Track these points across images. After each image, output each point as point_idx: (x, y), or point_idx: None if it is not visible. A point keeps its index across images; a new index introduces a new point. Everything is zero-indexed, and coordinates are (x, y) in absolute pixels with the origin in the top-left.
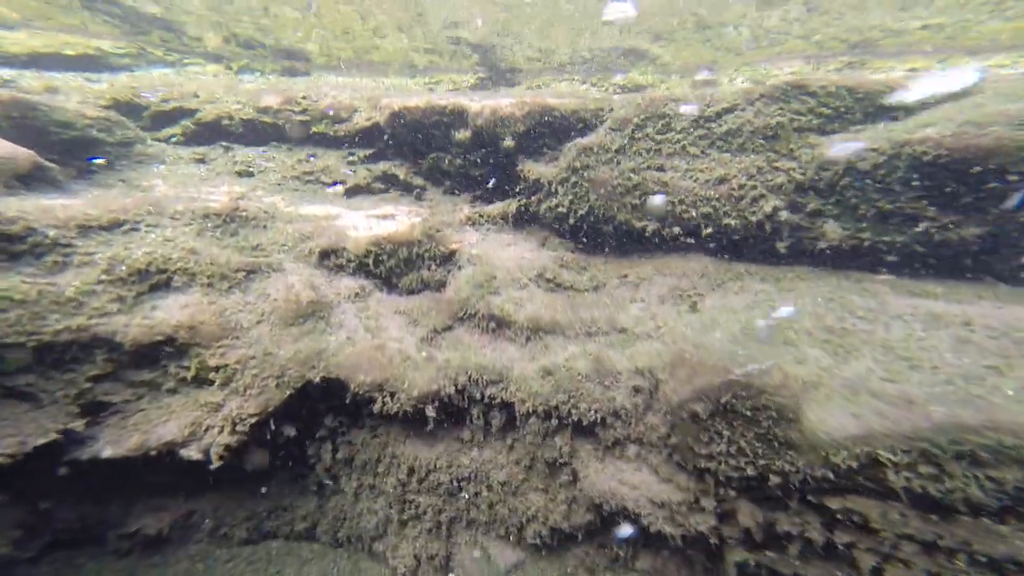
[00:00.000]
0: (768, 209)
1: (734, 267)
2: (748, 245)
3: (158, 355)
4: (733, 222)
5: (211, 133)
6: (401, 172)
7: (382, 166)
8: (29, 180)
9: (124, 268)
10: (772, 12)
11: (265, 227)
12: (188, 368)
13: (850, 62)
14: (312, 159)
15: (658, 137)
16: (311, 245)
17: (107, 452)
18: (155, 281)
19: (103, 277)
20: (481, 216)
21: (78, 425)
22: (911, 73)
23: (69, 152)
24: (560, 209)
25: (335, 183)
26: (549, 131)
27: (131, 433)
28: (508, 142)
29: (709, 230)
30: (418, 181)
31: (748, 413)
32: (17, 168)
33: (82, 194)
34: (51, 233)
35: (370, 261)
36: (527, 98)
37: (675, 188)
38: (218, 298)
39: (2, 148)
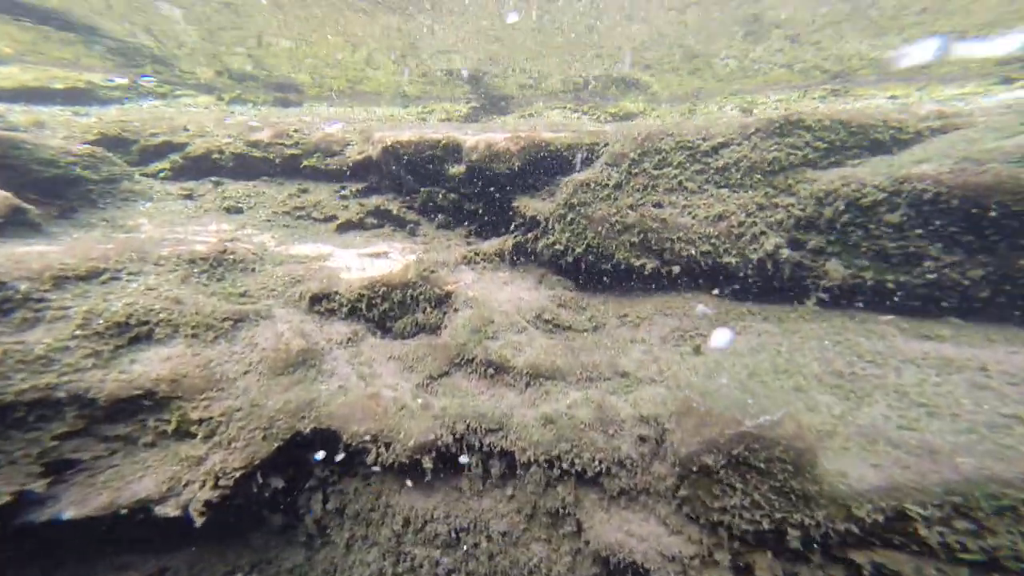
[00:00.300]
0: (769, 247)
1: (736, 306)
2: (749, 283)
3: (136, 409)
4: (733, 260)
5: (200, 167)
6: (394, 207)
7: (375, 200)
8: (4, 225)
9: (102, 322)
10: (757, 45)
11: (253, 270)
12: (169, 421)
13: (833, 90)
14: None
15: (655, 172)
16: (301, 289)
17: (69, 513)
18: (135, 334)
19: (78, 332)
20: (477, 255)
21: (38, 486)
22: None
23: (52, 190)
24: (557, 247)
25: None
26: (545, 166)
27: (99, 492)
28: (503, 177)
29: (709, 269)
30: (411, 216)
31: (762, 465)
32: None
33: (61, 238)
34: (23, 287)
35: (363, 305)
36: (522, 132)
37: (673, 225)
38: (203, 349)
39: None
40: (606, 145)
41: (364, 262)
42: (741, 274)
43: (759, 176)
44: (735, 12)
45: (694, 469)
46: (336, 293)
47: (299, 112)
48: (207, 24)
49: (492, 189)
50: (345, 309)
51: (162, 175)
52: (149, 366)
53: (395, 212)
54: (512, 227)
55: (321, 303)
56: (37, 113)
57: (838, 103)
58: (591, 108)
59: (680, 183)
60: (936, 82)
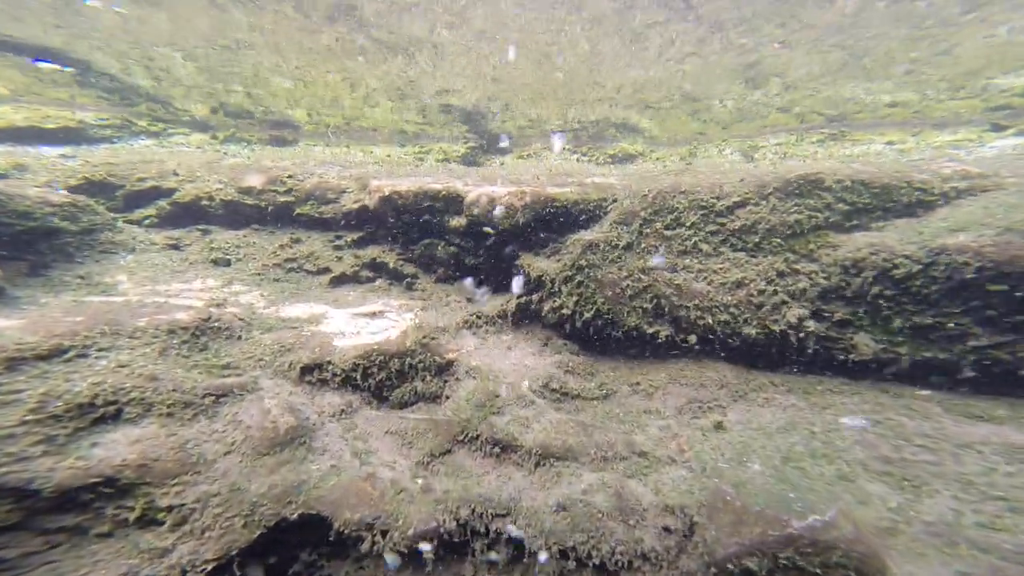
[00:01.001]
0: (792, 318)
1: (755, 377)
2: (769, 353)
3: (92, 497)
4: (754, 331)
5: (188, 214)
6: (391, 259)
7: (371, 251)
8: None
9: (60, 404)
10: (755, 90)
11: (240, 337)
12: (132, 509)
13: (831, 134)
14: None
15: (668, 233)
16: (292, 359)
17: None
18: (100, 414)
19: (28, 417)
20: (479, 317)
21: None
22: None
23: (27, 244)
24: (564, 311)
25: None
26: (550, 222)
27: None
28: (505, 233)
29: (727, 338)
30: (409, 269)
31: (818, 571)
32: None
33: (26, 305)
34: None
35: (358, 374)
36: (526, 187)
37: (689, 291)
38: (179, 428)
39: None
40: (614, 201)
41: (359, 324)
42: (761, 345)
43: (779, 240)
44: (734, 60)
45: (733, 572)
46: (329, 363)
47: (294, 153)
48: (205, 62)
49: (494, 244)
50: (339, 379)
51: (147, 222)
52: (113, 450)
53: (392, 265)
54: (513, 283)
55: (313, 373)
56: (20, 156)
57: (836, 147)
58: (589, 149)
59: (694, 245)
60: (929, 128)
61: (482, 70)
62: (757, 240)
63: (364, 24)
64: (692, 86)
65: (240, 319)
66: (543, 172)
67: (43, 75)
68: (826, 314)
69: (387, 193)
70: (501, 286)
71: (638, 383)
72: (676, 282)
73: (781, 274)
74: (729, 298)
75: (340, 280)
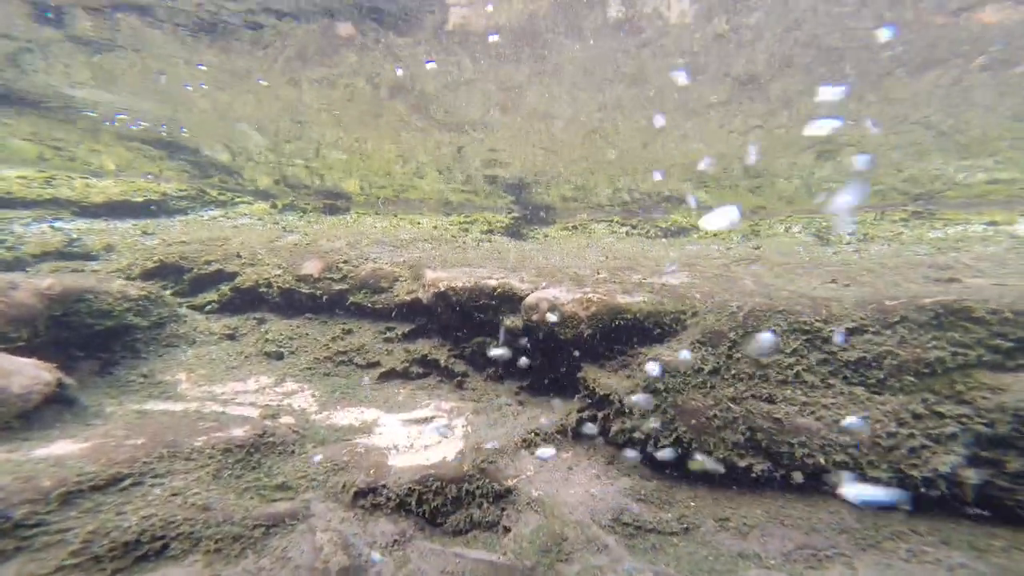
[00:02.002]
0: (943, 467)
1: (888, 521)
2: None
3: None
4: (884, 475)
5: (247, 301)
6: (442, 355)
7: (421, 346)
8: (42, 406)
9: (105, 543)
10: (826, 163)
11: (293, 452)
12: None
13: (915, 212)
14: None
15: (763, 360)
16: (345, 480)
17: None
18: (144, 552)
19: (67, 561)
20: (537, 435)
21: None
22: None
23: (103, 342)
24: (636, 435)
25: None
26: (619, 333)
27: None
28: (568, 342)
29: (846, 482)
30: (459, 367)
31: None
32: (28, 404)
33: (93, 417)
34: (18, 514)
35: (413, 500)
36: (593, 295)
37: (792, 427)
38: (224, 567)
39: (24, 375)
40: (693, 314)
41: (411, 432)
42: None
43: (912, 378)
44: (802, 134)
45: None
46: (384, 486)
47: (347, 228)
48: (274, 138)
49: (552, 349)
50: (393, 503)
51: (208, 308)
52: None
53: (443, 363)
54: (575, 398)
55: (367, 497)
56: (111, 234)
57: (924, 227)
58: (640, 222)
59: (797, 375)
60: None
61: (530, 142)
62: (881, 376)
63: (424, 99)
64: (755, 159)
65: (294, 431)
66: (602, 262)
67: (142, 151)
68: (993, 461)
69: (442, 289)
70: (560, 390)
71: (727, 519)
72: (775, 415)
73: (917, 416)
74: (847, 438)
75: (389, 375)
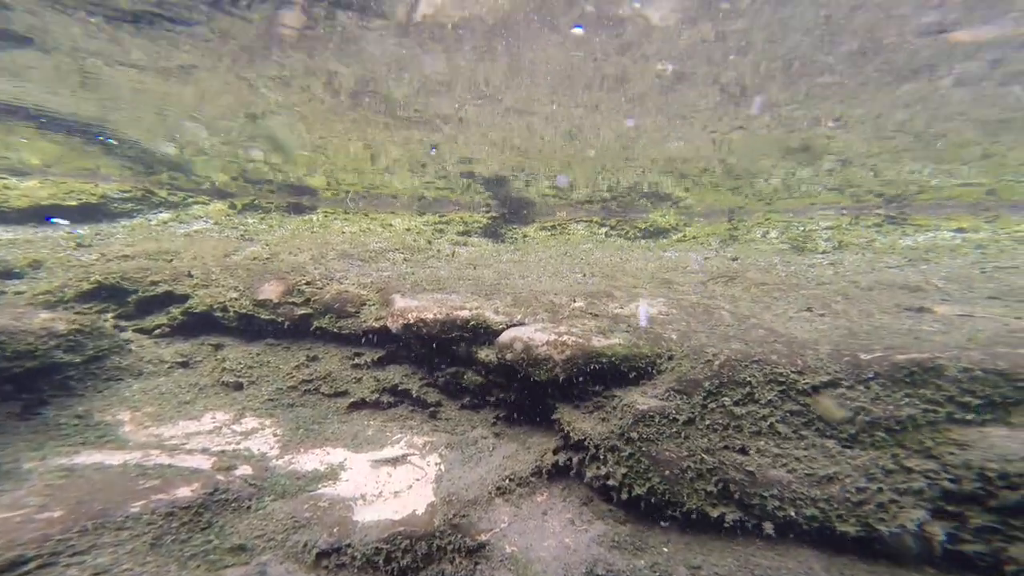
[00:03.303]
0: (909, 523)
1: (852, 571)
2: (874, 545)
3: None
4: (852, 529)
5: (202, 324)
6: (414, 385)
7: (392, 373)
8: None
9: None
10: (805, 166)
11: (250, 508)
12: None
13: (888, 215)
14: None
15: (737, 411)
16: (307, 539)
17: None
18: None
19: None
20: (512, 481)
21: None
22: (956, 233)
23: (25, 383)
24: (610, 482)
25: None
26: (594, 376)
27: None
28: (541, 384)
29: (814, 533)
30: (433, 396)
31: None
32: None
33: (3, 478)
34: None
35: (380, 559)
36: (568, 338)
37: (764, 479)
38: None
39: None
40: (670, 358)
41: (381, 477)
42: (863, 541)
43: (883, 434)
44: (785, 136)
45: None
46: (348, 546)
47: (312, 239)
48: (227, 135)
49: (526, 388)
50: (358, 564)
51: (158, 332)
52: None
53: (415, 392)
54: (552, 435)
55: (330, 557)
56: (37, 249)
57: (896, 233)
58: (619, 222)
59: (771, 426)
60: (1006, 210)
61: (508, 141)
62: (853, 431)
63: (390, 102)
64: (736, 159)
65: (251, 483)
66: (579, 282)
67: (72, 145)
68: (958, 516)
69: (411, 320)
70: (535, 423)
71: (699, 567)
72: (748, 467)
73: (888, 472)
74: (818, 492)
75: (358, 406)
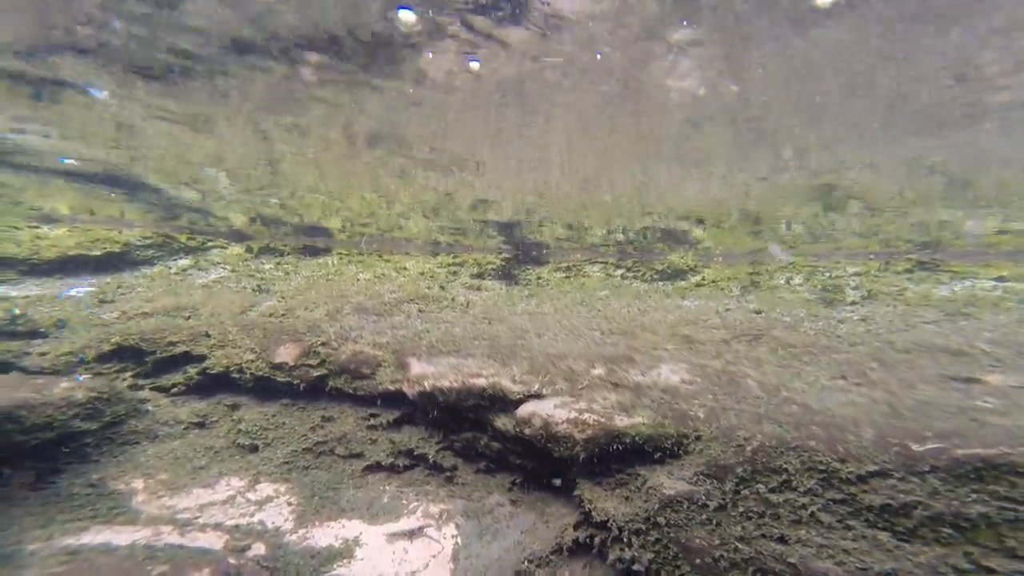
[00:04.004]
0: None
1: None
2: None
3: None
4: None
5: (218, 383)
6: (430, 449)
7: (408, 435)
8: None
9: None
10: (830, 212)
11: None
12: None
13: (920, 262)
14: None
15: (774, 498)
16: None
17: None
18: None
19: None
20: (531, 562)
21: None
22: (997, 282)
23: (41, 452)
24: (636, 567)
25: None
26: (617, 455)
27: None
28: (561, 460)
29: None
30: (448, 460)
31: None
32: None
33: (2, 561)
34: None
35: None
36: (589, 416)
37: (808, 571)
38: None
39: None
40: (697, 438)
41: (397, 552)
42: None
43: (949, 531)
44: (808, 183)
45: None
46: None
47: (328, 291)
48: (246, 183)
49: (545, 460)
50: None
51: (175, 390)
52: None
53: (431, 457)
54: (571, 509)
55: None
56: (62, 306)
57: (931, 280)
58: (635, 264)
59: (812, 515)
60: None
61: (522, 186)
62: (912, 525)
63: (405, 145)
64: (756, 205)
65: (263, 565)
66: (597, 341)
67: (98, 194)
68: None
69: (428, 389)
70: (552, 491)
71: None
72: (788, 558)
73: (961, 571)
74: None
75: (374, 468)
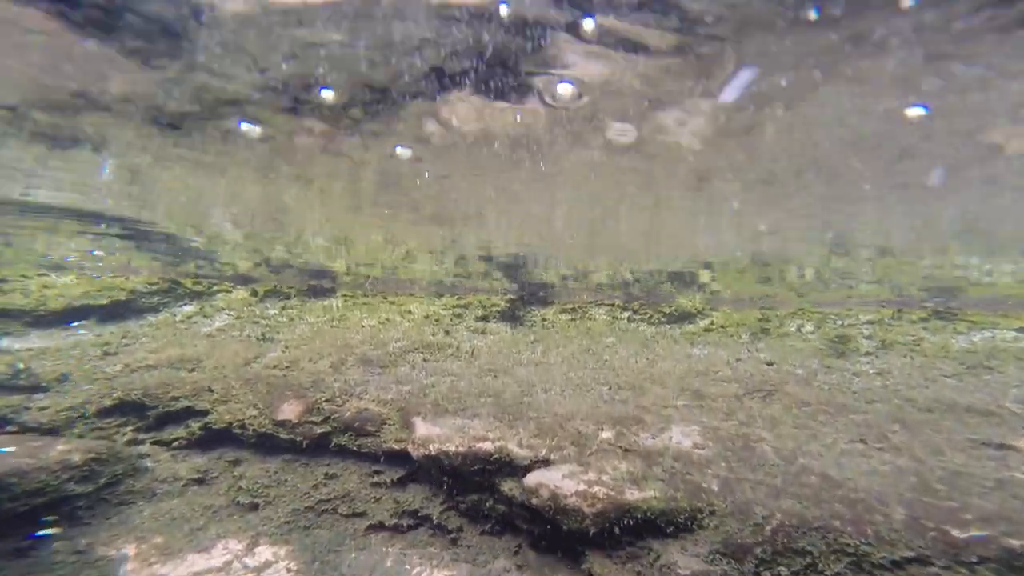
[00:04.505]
0: None
1: None
2: None
3: None
4: None
5: (220, 438)
6: (435, 509)
7: (412, 494)
8: None
9: None
10: (842, 257)
11: None
12: None
13: (936, 311)
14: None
15: None
16: None
17: None
18: None
19: None
20: None
21: None
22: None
23: (31, 517)
24: None
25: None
26: (627, 530)
27: None
28: (570, 533)
29: None
30: (453, 522)
31: None
32: None
33: None
34: None
35: None
36: (598, 489)
37: None
38: None
39: None
40: (711, 513)
41: None
42: None
43: None
44: (819, 230)
45: None
46: None
47: (332, 340)
48: (251, 228)
49: (552, 529)
50: None
51: (176, 444)
52: None
53: (435, 518)
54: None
55: None
56: (65, 359)
57: (948, 330)
58: (642, 306)
59: None
60: None
61: (527, 228)
62: None
63: (408, 192)
64: (765, 247)
65: None
66: (605, 399)
67: (106, 242)
68: None
69: (433, 452)
70: (559, 557)
71: None
72: None
73: None
74: None
75: (377, 529)
